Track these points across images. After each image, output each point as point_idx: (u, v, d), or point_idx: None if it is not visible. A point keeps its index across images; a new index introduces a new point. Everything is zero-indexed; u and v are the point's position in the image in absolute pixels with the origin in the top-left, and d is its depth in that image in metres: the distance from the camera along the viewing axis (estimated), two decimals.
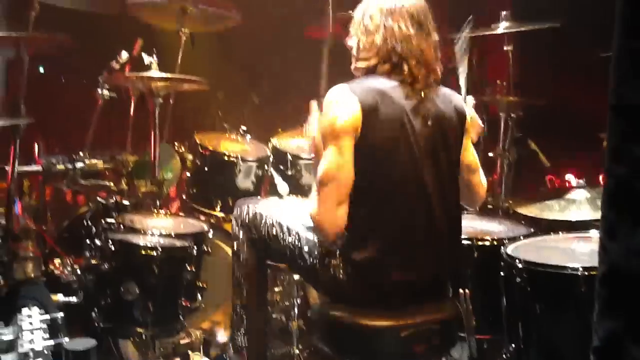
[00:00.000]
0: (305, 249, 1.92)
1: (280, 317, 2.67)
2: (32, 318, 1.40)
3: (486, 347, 2.28)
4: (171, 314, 2.35)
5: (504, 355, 2.07)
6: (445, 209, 1.86)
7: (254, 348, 2.13)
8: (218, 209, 2.92)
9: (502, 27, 2.94)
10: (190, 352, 2.49)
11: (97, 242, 2.33)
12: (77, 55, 3.13)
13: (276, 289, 2.74)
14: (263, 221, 2.05)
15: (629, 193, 0.94)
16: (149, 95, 2.83)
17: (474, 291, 2.00)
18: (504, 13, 2.95)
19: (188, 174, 3.06)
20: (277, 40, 4.04)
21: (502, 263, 2.05)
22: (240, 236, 2.12)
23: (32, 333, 1.33)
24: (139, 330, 2.28)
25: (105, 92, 3.02)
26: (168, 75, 2.81)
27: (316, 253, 1.89)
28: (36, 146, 3.11)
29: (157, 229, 2.48)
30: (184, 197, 3.09)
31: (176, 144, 3.26)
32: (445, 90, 1.93)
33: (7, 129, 2.60)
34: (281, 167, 2.89)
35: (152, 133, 2.83)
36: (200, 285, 2.46)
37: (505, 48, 3.04)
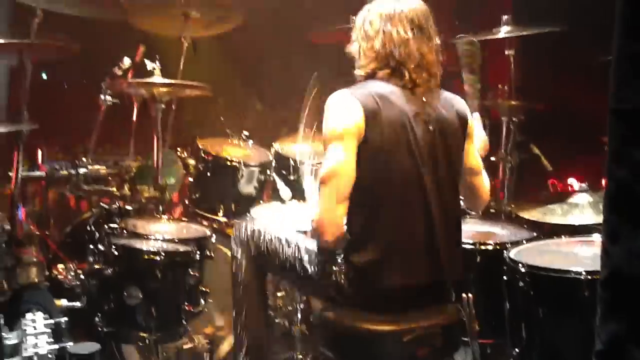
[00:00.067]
0: (306, 258, 1.92)
1: (283, 322, 2.67)
2: (36, 322, 1.41)
3: (489, 351, 2.27)
4: (174, 319, 2.35)
5: None
6: (446, 213, 1.87)
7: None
8: (221, 214, 2.93)
9: (504, 31, 2.94)
10: None
11: (100, 247, 2.34)
12: (79, 61, 3.15)
13: (279, 294, 2.73)
14: (262, 237, 2.05)
15: (630, 196, 0.94)
16: (152, 101, 2.85)
17: (477, 295, 1.99)
18: (505, 17, 2.95)
19: (190, 179, 3.07)
20: (280, 45, 4.06)
21: (504, 267, 2.06)
22: (239, 256, 2.11)
23: (37, 337, 1.34)
24: (142, 334, 2.29)
25: (108, 98, 3.04)
26: (170, 81, 2.82)
27: (317, 261, 1.90)
28: (39, 152, 3.12)
29: (160, 233, 2.48)
30: (186, 202, 3.10)
31: (179, 149, 3.27)
32: (447, 95, 1.94)
33: (11, 135, 2.61)
34: (283, 172, 2.90)
35: (155, 139, 2.84)
36: (203, 289, 2.46)
37: (506, 52, 3.05)
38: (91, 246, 2.40)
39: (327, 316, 1.89)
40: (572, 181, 2.91)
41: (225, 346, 2.63)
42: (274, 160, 2.98)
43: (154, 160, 2.85)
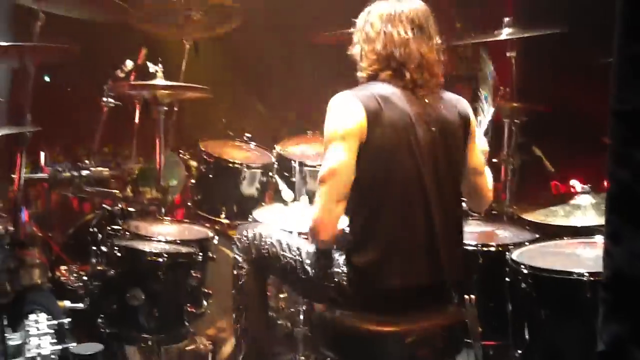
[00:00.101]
0: (307, 261, 1.93)
1: (285, 323, 2.67)
2: (39, 323, 1.41)
3: (492, 353, 2.27)
4: (176, 320, 2.35)
5: None
6: (448, 213, 1.87)
7: None
8: (223, 215, 2.94)
9: (505, 33, 2.95)
10: None
11: (103, 248, 2.34)
12: (82, 64, 3.15)
13: (281, 296, 2.74)
14: (263, 241, 2.06)
15: (631, 197, 0.94)
16: (154, 103, 2.85)
17: (479, 297, 2.00)
18: (506, 19, 2.96)
19: (193, 181, 3.08)
20: (281, 47, 4.07)
21: (507, 269, 2.05)
22: (241, 261, 2.11)
23: (40, 338, 1.34)
24: (145, 336, 2.29)
25: (111, 100, 3.05)
26: (172, 83, 2.83)
27: (318, 265, 1.90)
28: (42, 154, 3.13)
29: (162, 235, 2.49)
30: (188, 204, 3.11)
31: (181, 151, 3.28)
32: (449, 95, 1.94)
33: (14, 137, 2.62)
34: (285, 174, 2.90)
35: (157, 141, 2.85)
36: (206, 291, 2.46)
37: (508, 54, 3.05)
38: (94, 248, 2.40)
39: (328, 317, 1.89)
40: (574, 183, 2.90)
41: (228, 348, 2.64)
42: (275, 162, 2.98)
43: (156, 162, 2.86)
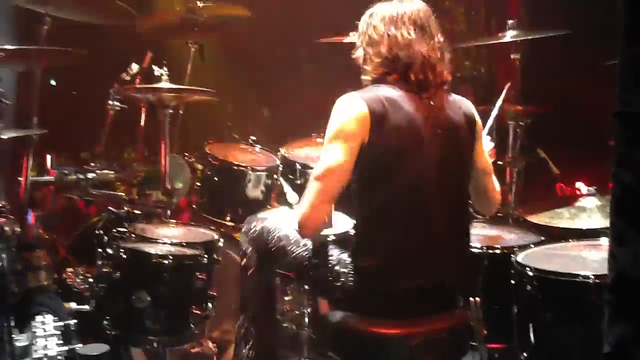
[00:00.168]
0: (317, 259, 1.93)
1: (290, 326, 2.67)
2: (45, 325, 1.42)
3: (497, 356, 2.26)
4: (182, 322, 2.36)
5: None
6: (454, 217, 1.87)
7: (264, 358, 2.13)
8: (228, 218, 2.94)
9: (509, 35, 2.95)
10: None
11: (109, 250, 2.35)
12: (88, 67, 3.17)
13: (286, 298, 2.74)
14: (271, 235, 2.06)
15: (635, 199, 0.95)
16: (159, 106, 2.86)
17: (485, 299, 1.99)
18: (510, 22, 2.96)
19: (198, 184, 3.09)
20: (287, 50, 4.08)
21: (512, 271, 2.05)
22: (249, 251, 2.13)
23: (46, 339, 1.35)
24: (150, 338, 2.30)
25: (116, 103, 3.07)
26: (177, 86, 2.84)
27: (325, 263, 1.90)
28: (48, 157, 3.15)
29: (167, 237, 2.49)
30: (194, 206, 3.12)
31: (186, 154, 3.29)
32: (454, 97, 1.94)
33: (20, 140, 2.64)
34: (290, 177, 2.90)
35: (163, 143, 2.86)
36: (211, 293, 2.47)
37: (512, 56, 3.05)
38: (100, 250, 2.41)
39: (334, 320, 1.89)
40: (580, 185, 2.90)
41: (232, 350, 2.64)
42: (281, 165, 2.99)
43: (161, 165, 2.87)
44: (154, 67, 2.86)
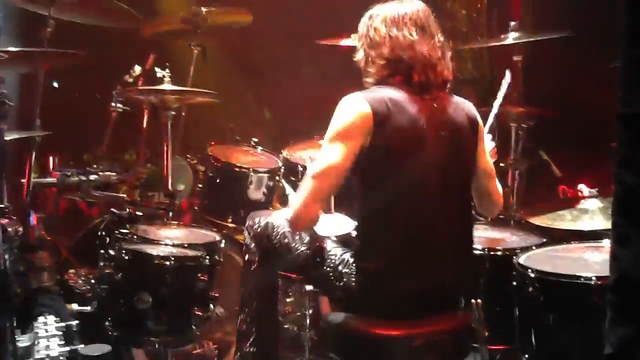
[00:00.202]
0: (317, 258, 1.93)
1: (292, 327, 2.68)
2: (47, 325, 1.43)
3: (499, 357, 2.26)
4: (184, 324, 2.36)
5: None
6: (457, 218, 1.87)
7: (265, 357, 2.13)
8: (230, 220, 2.95)
9: (511, 37, 2.95)
10: None
11: (111, 252, 2.36)
12: (90, 69, 3.19)
13: (288, 300, 2.74)
14: (275, 231, 2.07)
15: (637, 200, 0.95)
16: (162, 108, 2.87)
17: (486, 301, 1.99)
18: (512, 24, 2.96)
19: (200, 186, 3.09)
20: (289, 52, 4.08)
21: (514, 273, 2.05)
22: (252, 246, 2.14)
23: (48, 340, 1.36)
24: (152, 339, 2.30)
25: (119, 105, 3.07)
26: (180, 88, 2.85)
27: (329, 261, 1.90)
28: (51, 159, 3.16)
29: (170, 239, 2.50)
30: (196, 208, 3.12)
31: (188, 155, 3.30)
32: (456, 99, 1.94)
33: (23, 142, 2.64)
34: (292, 178, 2.91)
35: (165, 145, 2.86)
36: (213, 295, 2.47)
37: (514, 58, 3.05)
38: (102, 251, 2.42)
39: (336, 321, 1.89)
40: (582, 187, 2.90)
41: (234, 351, 2.64)
42: (283, 167, 2.99)
43: (164, 166, 2.87)
44: (156, 69, 2.87)
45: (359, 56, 1.94)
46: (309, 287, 2.50)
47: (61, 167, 2.99)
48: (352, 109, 1.80)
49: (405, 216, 1.81)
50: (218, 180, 2.96)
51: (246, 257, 2.16)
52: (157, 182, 3.01)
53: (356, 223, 1.94)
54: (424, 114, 1.82)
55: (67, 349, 1.30)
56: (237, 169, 2.96)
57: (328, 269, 1.89)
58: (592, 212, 2.49)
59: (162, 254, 2.34)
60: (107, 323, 2.31)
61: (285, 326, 2.68)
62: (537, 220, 2.51)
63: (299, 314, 2.64)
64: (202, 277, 2.39)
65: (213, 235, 2.63)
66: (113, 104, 3.07)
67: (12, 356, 1.28)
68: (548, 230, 2.47)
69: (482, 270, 2.23)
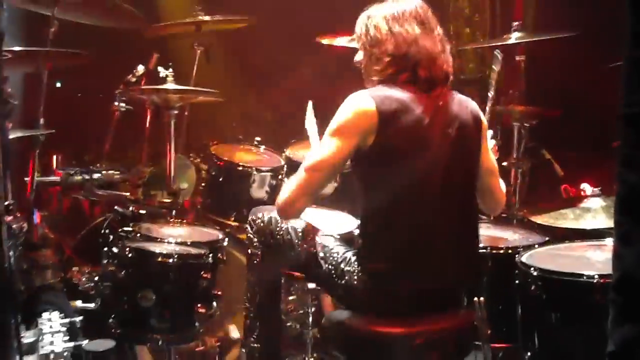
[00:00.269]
0: (321, 254, 1.93)
1: (294, 325, 2.68)
2: (52, 322, 1.44)
3: (501, 355, 2.26)
4: (187, 321, 2.37)
5: None
6: (462, 216, 1.87)
7: (267, 353, 2.14)
8: (232, 218, 2.95)
9: (514, 37, 2.95)
10: None
11: (114, 249, 2.37)
12: (94, 68, 3.19)
13: (290, 298, 2.75)
14: (278, 227, 2.07)
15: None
16: (165, 107, 2.88)
17: (489, 299, 2.00)
18: (515, 24, 2.96)
19: (203, 184, 3.10)
20: (291, 51, 4.09)
21: (516, 271, 2.05)
22: (255, 241, 2.14)
23: (53, 336, 1.36)
24: (155, 336, 2.31)
25: (122, 104, 3.08)
26: (183, 87, 2.86)
27: (331, 259, 1.91)
28: (54, 158, 3.17)
29: (173, 237, 2.51)
30: (199, 207, 3.13)
31: (191, 154, 3.31)
32: (459, 96, 1.93)
33: (27, 141, 2.65)
34: None
35: (168, 144, 2.87)
36: (216, 293, 2.48)
37: (517, 58, 3.05)
38: (105, 249, 2.43)
39: (338, 319, 1.90)
40: (584, 186, 2.90)
41: (237, 349, 2.65)
42: (285, 165, 3.00)
43: (167, 165, 2.88)
44: (159, 68, 2.87)
45: (360, 56, 1.93)
46: (311, 285, 2.50)
47: (64, 166, 3.00)
48: (355, 106, 1.80)
49: (408, 215, 1.81)
50: (221, 179, 2.97)
51: (249, 251, 2.17)
52: (160, 181, 3.02)
53: (359, 221, 1.94)
54: (429, 112, 1.81)
55: (72, 344, 1.31)
56: (239, 168, 2.96)
57: (330, 267, 1.90)
58: (594, 211, 2.49)
59: (165, 252, 2.35)
60: (110, 320, 2.32)
61: (288, 324, 2.69)
62: (540, 219, 2.52)
63: (301, 311, 2.65)
64: (205, 275, 2.40)
65: (216, 233, 2.64)
66: (116, 103, 3.08)
67: (17, 352, 1.29)
68: (550, 228, 2.47)
69: (485, 268, 2.23)
